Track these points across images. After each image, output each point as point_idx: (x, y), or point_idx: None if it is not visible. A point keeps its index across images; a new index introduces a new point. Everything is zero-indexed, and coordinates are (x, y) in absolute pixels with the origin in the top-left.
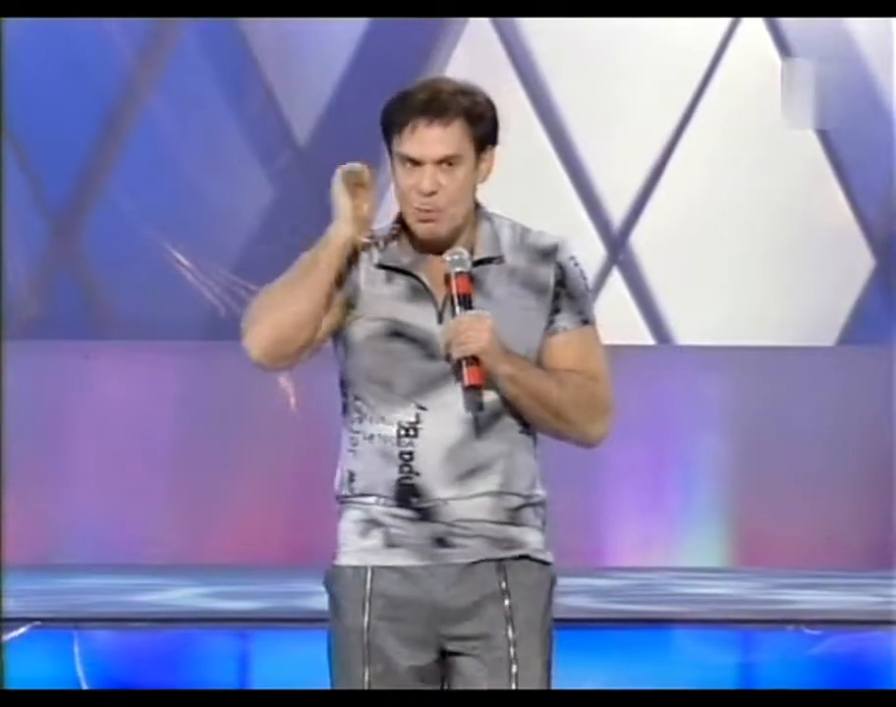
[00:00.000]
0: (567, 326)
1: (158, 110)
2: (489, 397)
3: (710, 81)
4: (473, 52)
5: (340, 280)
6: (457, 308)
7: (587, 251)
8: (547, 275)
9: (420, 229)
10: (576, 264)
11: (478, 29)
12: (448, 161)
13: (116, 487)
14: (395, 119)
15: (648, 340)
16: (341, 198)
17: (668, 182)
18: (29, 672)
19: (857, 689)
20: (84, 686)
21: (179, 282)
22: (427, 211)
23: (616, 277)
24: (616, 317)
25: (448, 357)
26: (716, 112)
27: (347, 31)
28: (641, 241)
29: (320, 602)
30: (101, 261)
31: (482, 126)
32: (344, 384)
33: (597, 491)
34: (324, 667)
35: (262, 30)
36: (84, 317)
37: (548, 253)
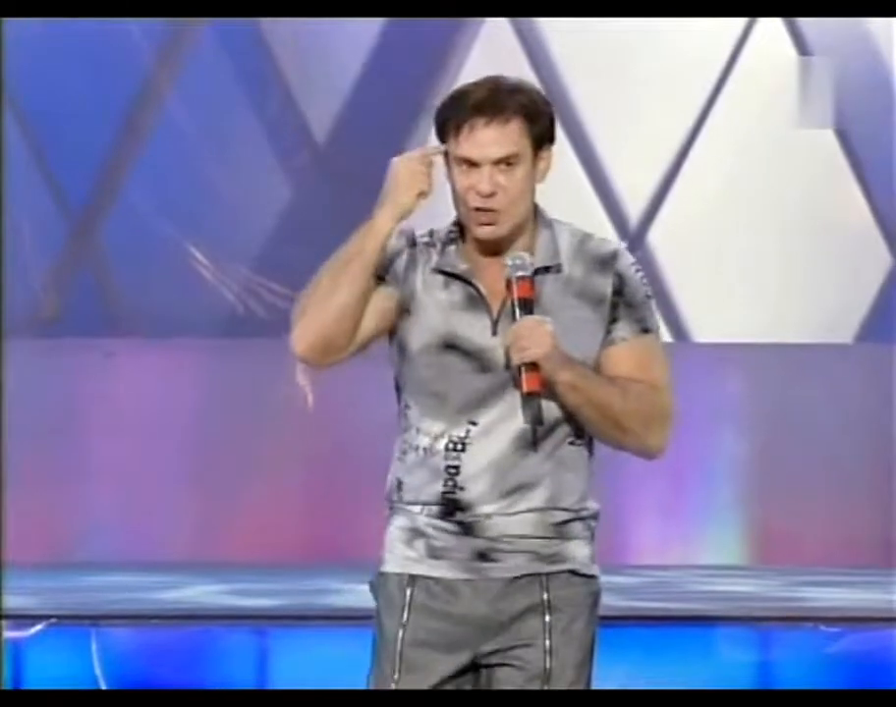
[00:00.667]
0: (625, 335)
1: (177, 109)
2: (545, 410)
3: (727, 81)
4: (489, 52)
5: (377, 269)
6: (517, 313)
7: None
8: (605, 285)
9: (480, 232)
10: (637, 271)
11: (495, 30)
12: (507, 161)
13: (135, 484)
14: (451, 119)
15: (665, 337)
16: (411, 180)
17: (685, 180)
18: (47, 669)
19: (874, 689)
20: (102, 684)
21: (197, 280)
22: (487, 212)
23: None
24: None
25: (508, 365)
26: (733, 111)
27: (364, 32)
28: (658, 239)
29: (339, 599)
30: (120, 260)
31: (540, 124)
32: (398, 389)
33: (615, 489)
34: (344, 663)
35: (280, 30)
36: (104, 315)
37: (607, 262)
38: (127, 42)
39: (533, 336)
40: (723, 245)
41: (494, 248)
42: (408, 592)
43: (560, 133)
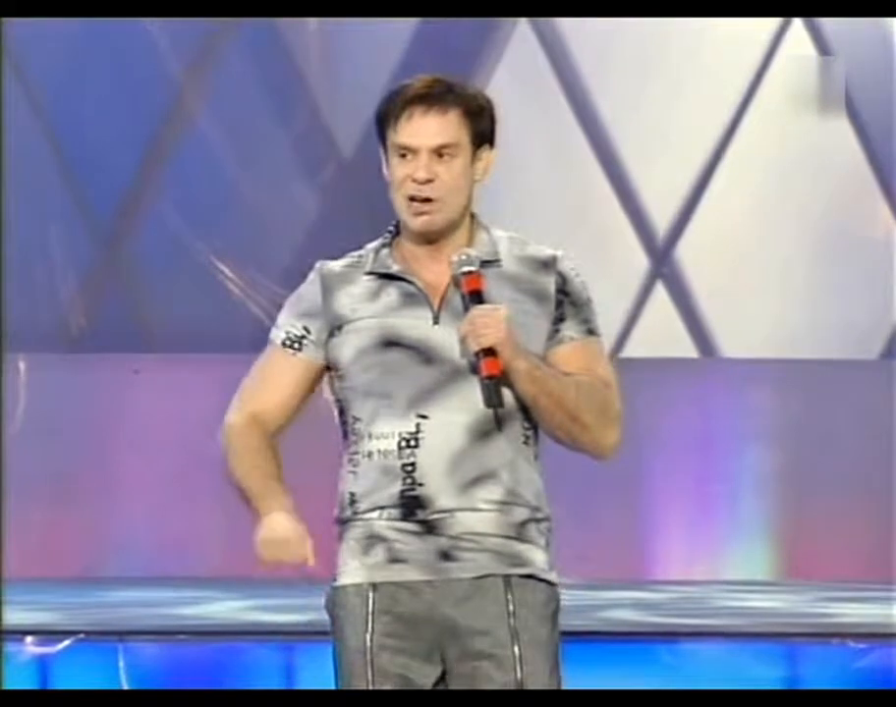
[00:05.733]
0: (573, 335)
1: (204, 123)
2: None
3: (756, 93)
4: (517, 67)
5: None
6: (469, 306)
7: (631, 264)
8: (548, 283)
9: (415, 223)
10: (577, 274)
11: (522, 43)
12: (444, 150)
13: (161, 500)
14: (390, 110)
15: (693, 353)
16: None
17: (713, 194)
18: (74, 685)
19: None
20: None
21: (225, 295)
22: (423, 201)
23: (660, 290)
24: (660, 330)
25: (462, 355)
26: (762, 124)
27: (391, 46)
28: (685, 253)
29: None
30: (148, 275)
31: (481, 121)
32: (342, 410)
33: (643, 504)
34: None
35: (308, 45)
36: (132, 331)
37: (548, 263)
38: (155, 57)
39: (489, 321)
40: (751, 260)
41: (429, 246)
42: (370, 600)
43: (587, 148)
